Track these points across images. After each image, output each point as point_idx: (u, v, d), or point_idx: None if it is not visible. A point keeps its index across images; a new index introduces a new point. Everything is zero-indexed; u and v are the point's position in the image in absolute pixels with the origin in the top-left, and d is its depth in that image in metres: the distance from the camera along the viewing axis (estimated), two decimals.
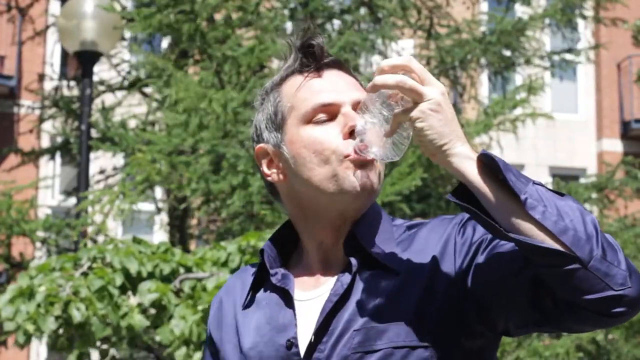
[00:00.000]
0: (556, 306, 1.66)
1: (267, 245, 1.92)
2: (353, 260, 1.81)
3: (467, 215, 1.81)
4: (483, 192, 1.65)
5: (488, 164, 1.66)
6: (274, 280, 1.87)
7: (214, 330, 1.97)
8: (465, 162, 1.67)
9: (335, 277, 1.83)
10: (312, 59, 1.85)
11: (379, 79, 1.67)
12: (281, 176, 1.86)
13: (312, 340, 1.78)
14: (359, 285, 1.80)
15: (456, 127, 1.68)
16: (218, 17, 8.94)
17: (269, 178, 1.89)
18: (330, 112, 1.82)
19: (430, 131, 1.66)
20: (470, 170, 1.66)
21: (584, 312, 1.63)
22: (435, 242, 1.83)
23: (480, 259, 1.76)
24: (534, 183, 1.66)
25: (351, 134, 1.78)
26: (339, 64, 1.88)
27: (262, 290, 1.90)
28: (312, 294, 1.84)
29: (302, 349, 1.79)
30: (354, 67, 8.70)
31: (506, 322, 1.76)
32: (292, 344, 1.79)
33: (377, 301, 1.78)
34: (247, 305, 1.91)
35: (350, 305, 1.79)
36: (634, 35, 13.96)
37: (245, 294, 1.93)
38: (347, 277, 1.80)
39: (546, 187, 1.67)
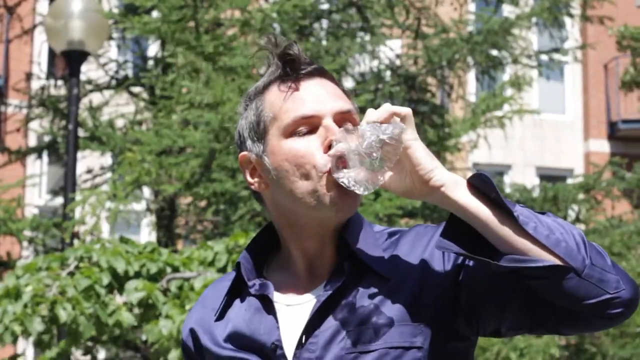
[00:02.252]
0: (553, 313, 1.71)
1: (243, 257, 1.92)
2: (345, 264, 1.82)
3: None
4: (476, 215, 1.69)
5: (478, 186, 1.71)
6: (252, 291, 1.87)
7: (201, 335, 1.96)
8: (456, 187, 1.71)
9: (325, 281, 1.84)
10: (294, 67, 1.84)
11: (395, 107, 1.72)
12: (263, 186, 1.87)
13: (303, 340, 1.79)
14: (351, 289, 1.81)
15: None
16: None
17: (252, 187, 1.89)
18: (312, 123, 1.81)
19: (422, 153, 1.70)
20: (463, 195, 1.70)
21: (583, 317, 1.69)
22: (423, 247, 1.85)
23: (470, 264, 1.79)
24: (519, 205, 1.72)
25: (331, 147, 1.78)
26: (322, 72, 1.87)
27: (239, 299, 1.91)
28: (301, 299, 1.84)
29: (291, 351, 1.80)
30: (342, 67, 8.71)
31: (499, 324, 1.79)
32: (276, 346, 1.80)
33: (369, 304, 1.79)
34: (223, 315, 1.91)
35: (342, 308, 1.80)
36: (618, 40, 14.12)
37: (218, 305, 1.93)
38: (338, 280, 1.81)
39: (528, 207, 1.73)
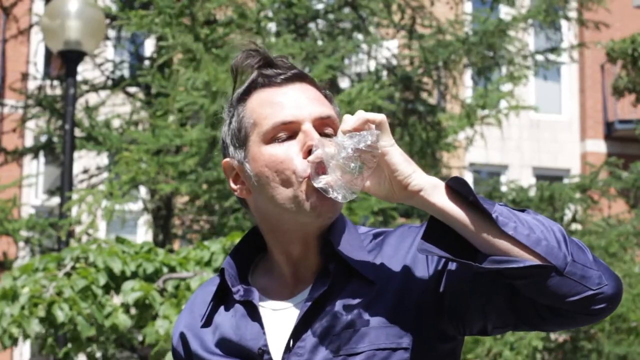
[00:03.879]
0: (537, 310, 1.71)
1: (227, 263, 1.92)
2: (330, 267, 1.82)
3: None
4: (456, 218, 1.69)
5: (456, 189, 1.70)
6: (236, 297, 1.87)
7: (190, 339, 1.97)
8: (435, 191, 1.70)
9: (310, 285, 1.84)
10: (274, 73, 1.85)
11: (369, 115, 1.70)
12: (246, 192, 1.87)
13: (291, 344, 1.79)
14: (336, 292, 1.81)
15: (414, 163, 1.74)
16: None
17: (235, 193, 1.89)
18: (291, 129, 1.81)
19: (399, 159, 1.70)
20: (442, 199, 1.70)
21: (567, 313, 1.69)
22: (406, 249, 1.85)
23: (453, 266, 1.79)
24: (499, 204, 1.72)
25: (310, 152, 1.77)
26: (302, 77, 1.86)
27: (224, 305, 1.91)
28: (287, 303, 1.85)
29: (279, 355, 1.80)
30: (338, 67, 8.71)
31: (484, 323, 1.80)
32: (263, 351, 1.80)
33: (355, 307, 1.80)
34: (209, 321, 1.91)
35: (329, 311, 1.80)
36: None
37: (205, 310, 1.93)
38: (324, 283, 1.81)
39: (508, 206, 1.73)
